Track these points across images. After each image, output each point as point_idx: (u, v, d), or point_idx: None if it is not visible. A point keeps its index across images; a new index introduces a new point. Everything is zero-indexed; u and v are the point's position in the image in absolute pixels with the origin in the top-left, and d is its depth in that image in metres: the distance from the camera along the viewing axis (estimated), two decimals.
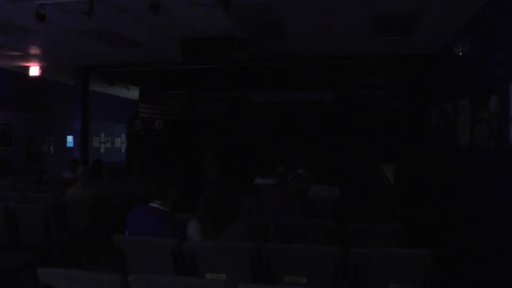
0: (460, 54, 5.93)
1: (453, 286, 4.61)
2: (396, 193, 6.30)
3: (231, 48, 7.26)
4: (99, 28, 6.59)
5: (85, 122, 10.16)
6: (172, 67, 9.52)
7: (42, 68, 9.77)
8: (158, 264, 3.15)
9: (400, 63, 8.94)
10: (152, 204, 3.41)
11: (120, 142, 15.64)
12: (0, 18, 6.13)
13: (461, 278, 4.88)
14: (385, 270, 2.88)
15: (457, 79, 6.69)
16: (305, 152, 9.04)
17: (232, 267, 2.95)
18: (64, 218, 5.32)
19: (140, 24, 6.47)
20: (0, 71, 10.01)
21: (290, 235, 3.86)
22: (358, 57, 8.57)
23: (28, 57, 8.93)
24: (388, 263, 2.89)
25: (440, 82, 7.81)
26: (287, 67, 9.50)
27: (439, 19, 6.11)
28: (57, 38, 7.32)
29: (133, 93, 13.00)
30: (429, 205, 6.98)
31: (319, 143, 10.33)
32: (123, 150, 15.19)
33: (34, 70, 9.75)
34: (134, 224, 3.41)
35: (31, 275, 3.77)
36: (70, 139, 12.00)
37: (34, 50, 8.36)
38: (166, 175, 3.56)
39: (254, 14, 5.99)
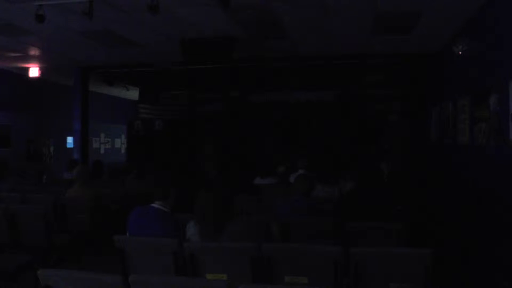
0: (460, 53, 5.93)
1: (453, 286, 4.60)
2: (396, 193, 6.30)
3: (231, 48, 7.26)
4: (99, 28, 6.59)
5: (85, 122, 10.16)
6: (172, 67, 9.52)
7: (42, 69, 9.78)
8: (158, 264, 3.15)
9: (400, 62, 8.94)
10: (153, 205, 3.41)
11: (120, 142, 15.64)
12: None
13: (461, 278, 4.88)
14: (386, 270, 2.88)
15: (456, 78, 6.69)
16: (305, 152, 9.02)
17: (232, 267, 2.94)
18: (64, 219, 5.31)
19: (140, 25, 6.47)
20: None
21: (290, 234, 3.86)
22: (358, 57, 8.57)
23: (28, 58, 8.93)
24: (388, 262, 2.89)
25: (440, 81, 7.81)
26: (287, 67, 9.49)
27: (439, 18, 6.11)
28: (57, 39, 7.32)
29: (133, 94, 13.00)
30: (426, 205, 6.98)
31: (319, 143, 10.32)
32: (123, 150, 15.19)
33: (34, 71, 9.76)
34: (136, 225, 3.41)
35: (32, 276, 3.77)
36: (70, 140, 12.01)
37: (34, 51, 8.37)
38: (167, 175, 3.56)
39: (254, 14, 5.99)
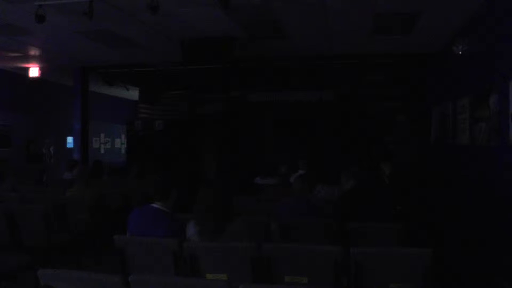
0: (460, 53, 5.93)
1: (453, 286, 4.60)
2: (396, 193, 6.30)
3: (231, 48, 7.26)
4: (99, 28, 6.59)
5: (85, 123, 10.16)
6: (172, 67, 9.52)
7: (42, 69, 9.77)
8: (158, 264, 3.15)
9: (400, 62, 8.94)
10: (153, 205, 3.41)
11: (120, 142, 15.63)
12: None
13: (461, 278, 4.88)
14: (386, 270, 2.88)
15: (457, 78, 6.69)
16: (305, 152, 9.02)
17: (232, 267, 2.95)
18: (64, 219, 5.32)
19: (140, 24, 6.47)
20: None
21: (290, 234, 3.86)
22: (358, 57, 8.57)
23: (28, 58, 8.93)
24: (388, 262, 2.90)
25: (440, 81, 7.81)
26: (287, 67, 9.49)
27: (439, 18, 6.11)
28: (57, 39, 7.31)
29: (133, 94, 13.00)
30: (425, 205, 6.97)
31: (319, 143, 10.32)
32: (123, 150, 15.18)
33: (34, 71, 9.75)
34: (136, 225, 3.41)
35: (32, 276, 3.77)
36: (70, 140, 12.01)
37: (34, 51, 8.36)
38: (167, 176, 3.56)
39: (254, 14, 5.99)
